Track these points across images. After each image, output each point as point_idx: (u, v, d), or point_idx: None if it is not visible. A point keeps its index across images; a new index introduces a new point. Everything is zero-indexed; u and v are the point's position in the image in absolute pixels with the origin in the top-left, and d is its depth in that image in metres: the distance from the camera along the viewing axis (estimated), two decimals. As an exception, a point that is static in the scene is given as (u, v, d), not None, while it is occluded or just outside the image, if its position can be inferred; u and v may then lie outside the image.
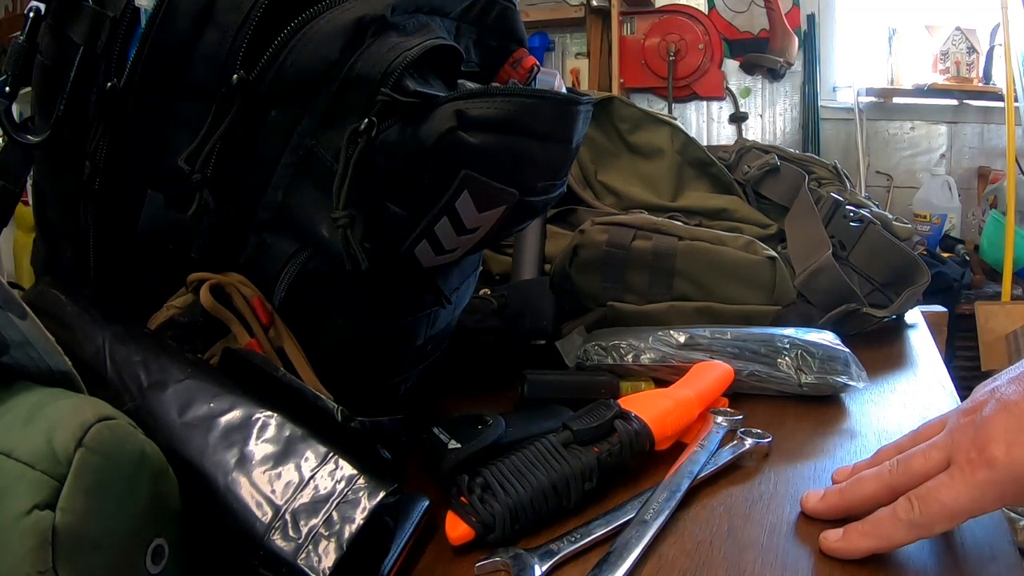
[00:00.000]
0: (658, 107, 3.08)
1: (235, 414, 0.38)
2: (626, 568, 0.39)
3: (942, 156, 3.02)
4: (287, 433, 0.38)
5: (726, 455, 0.51)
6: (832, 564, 0.40)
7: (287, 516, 0.35)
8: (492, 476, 0.44)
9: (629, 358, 0.63)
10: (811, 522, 0.44)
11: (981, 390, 0.41)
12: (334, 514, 0.36)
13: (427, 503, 0.44)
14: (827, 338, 0.64)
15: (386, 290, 0.49)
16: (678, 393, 0.54)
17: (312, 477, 0.37)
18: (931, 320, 0.94)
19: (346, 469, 0.37)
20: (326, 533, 0.35)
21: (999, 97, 2.62)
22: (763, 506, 0.46)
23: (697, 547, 0.42)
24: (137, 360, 0.41)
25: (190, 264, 0.47)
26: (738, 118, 3.22)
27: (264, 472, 0.36)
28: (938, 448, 0.40)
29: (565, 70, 3.28)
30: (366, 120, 0.41)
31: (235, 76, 0.42)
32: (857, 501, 0.42)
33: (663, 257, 0.74)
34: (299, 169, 0.45)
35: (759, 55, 3.09)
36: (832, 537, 0.41)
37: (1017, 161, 2.59)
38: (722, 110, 3.28)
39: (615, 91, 2.97)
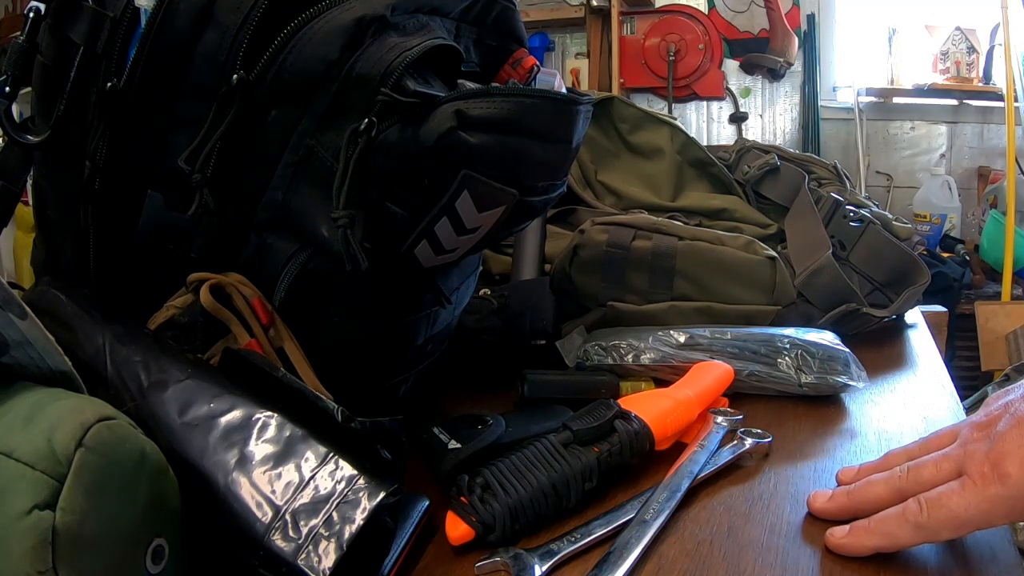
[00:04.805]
0: (658, 107, 3.08)
1: (235, 414, 0.38)
2: (626, 568, 0.39)
3: (942, 156, 3.01)
4: (287, 433, 0.38)
5: (726, 455, 0.51)
6: (832, 563, 0.40)
7: (287, 516, 0.35)
8: (492, 476, 0.44)
9: (629, 358, 0.63)
10: (812, 522, 0.44)
11: (995, 403, 0.41)
12: (334, 514, 0.36)
13: (427, 503, 0.44)
14: (827, 338, 0.64)
15: (386, 290, 0.49)
16: (678, 393, 0.54)
17: (312, 477, 0.37)
18: (931, 320, 0.94)
19: (346, 469, 0.37)
20: (326, 533, 0.35)
21: (999, 97, 2.62)
22: (763, 506, 0.46)
23: (697, 547, 0.42)
24: (137, 360, 0.41)
25: (190, 264, 0.47)
26: (738, 118, 3.22)
27: (264, 472, 0.36)
28: (950, 459, 0.40)
29: (565, 70, 3.28)
30: (366, 120, 0.41)
31: (235, 76, 0.42)
32: (865, 503, 0.42)
33: (663, 257, 0.74)
34: (299, 169, 0.45)
35: (759, 55, 3.09)
36: (838, 533, 0.41)
37: (1017, 161, 2.59)
38: (722, 110, 3.28)
39: (615, 91, 2.97)
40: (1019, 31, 2.46)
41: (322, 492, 0.36)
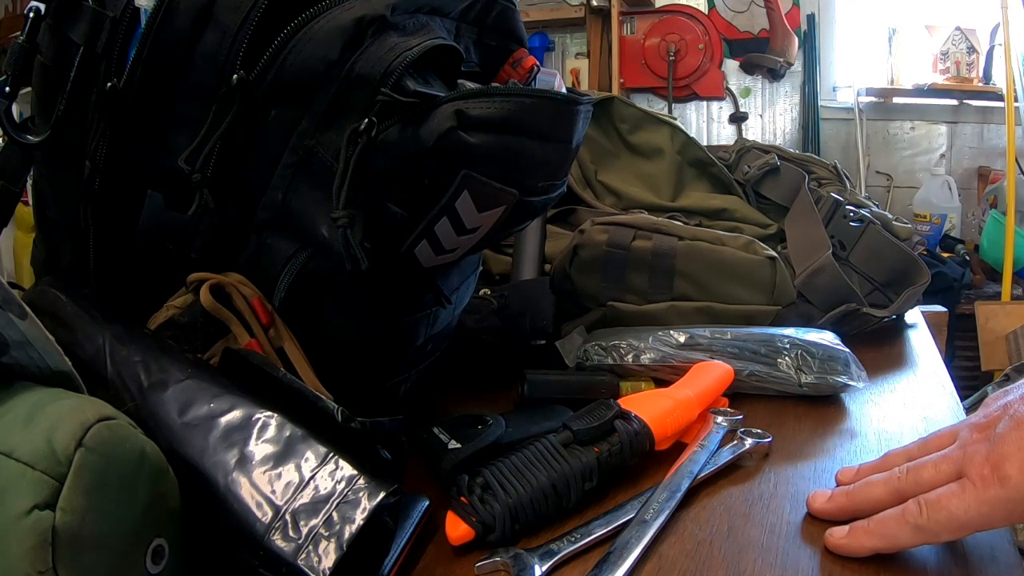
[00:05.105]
0: (658, 107, 3.08)
1: (235, 414, 0.38)
2: (626, 568, 0.39)
3: (942, 156, 3.01)
4: (287, 433, 0.38)
5: (726, 455, 0.51)
6: (832, 564, 0.40)
7: (287, 516, 0.35)
8: (492, 476, 0.44)
9: (629, 358, 0.63)
10: (811, 522, 0.44)
11: (994, 404, 0.41)
12: (334, 514, 0.36)
13: (427, 503, 0.44)
14: (827, 338, 0.64)
15: (386, 290, 0.49)
16: (678, 393, 0.54)
17: (312, 477, 0.37)
18: (931, 320, 0.94)
19: (346, 469, 0.37)
20: (326, 533, 0.35)
21: (999, 97, 2.62)
22: (763, 506, 0.46)
23: (697, 547, 0.42)
24: (137, 360, 0.41)
25: (190, 264, 0.47)
26: (738, 118, 3.22)
27: (264, 472, 0.36)
28: (949, 461, 0.40)
29: (565, 70, 3.28)
30: (366, 120, 0.41)
31: (235, 76, 0.42)
32: (864, 504, 0.42)
33: (663, 257, 0.74)
34: (299, 169, 0.45)
35: (759, 55, 3.09)
36: (838, 534, 0.41)
37: (1017, 161, 2.59)
38: (722, 110, 3.28)
39: (615, 91, 2.97)
40: (1019, 31, 2.46)
41: (322, 492, 0.36)
